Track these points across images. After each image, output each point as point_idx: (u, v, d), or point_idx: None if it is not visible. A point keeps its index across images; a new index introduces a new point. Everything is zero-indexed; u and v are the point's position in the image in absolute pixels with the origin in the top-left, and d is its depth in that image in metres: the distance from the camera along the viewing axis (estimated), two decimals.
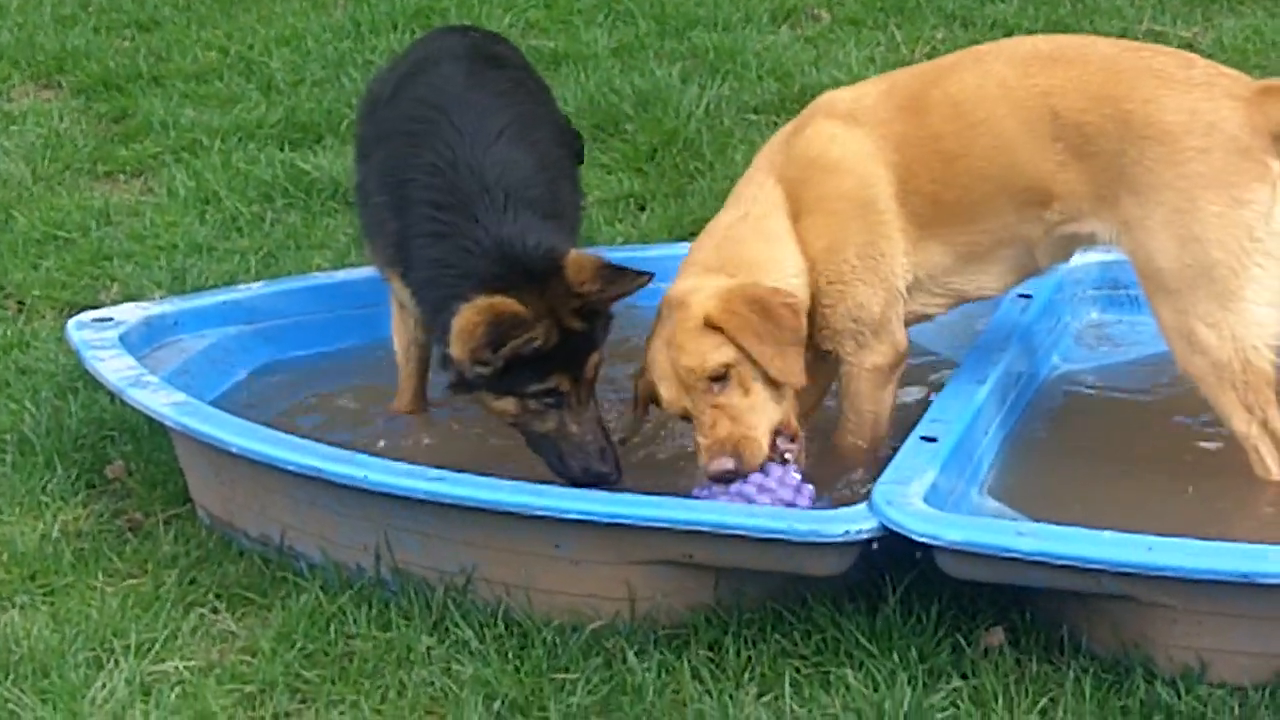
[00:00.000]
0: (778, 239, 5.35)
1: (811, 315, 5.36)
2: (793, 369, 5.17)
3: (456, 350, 5.26)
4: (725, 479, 5.09)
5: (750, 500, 5.04)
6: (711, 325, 5.15)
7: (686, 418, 5.26)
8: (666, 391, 5.25)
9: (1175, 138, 5.08)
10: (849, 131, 5.34)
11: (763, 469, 5.12)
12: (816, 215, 5.33)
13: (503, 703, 4.74)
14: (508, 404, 5.35)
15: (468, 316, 5.23)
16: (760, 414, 5.17)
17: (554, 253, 5.33)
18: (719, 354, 5.14)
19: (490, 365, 5.22)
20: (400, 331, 6.01)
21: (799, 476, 5.15)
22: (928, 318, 5.54)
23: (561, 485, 5.32)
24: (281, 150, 8.12)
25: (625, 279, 5.31)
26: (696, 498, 5.15)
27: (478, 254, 5.33)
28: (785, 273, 5.33)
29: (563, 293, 5.27)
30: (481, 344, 5.20)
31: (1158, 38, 8.49)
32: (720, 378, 5.14)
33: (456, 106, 5.61)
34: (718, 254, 5.36)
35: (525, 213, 5.41)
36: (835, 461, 5.43)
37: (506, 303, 5.22)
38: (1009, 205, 5.29)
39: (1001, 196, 5.28)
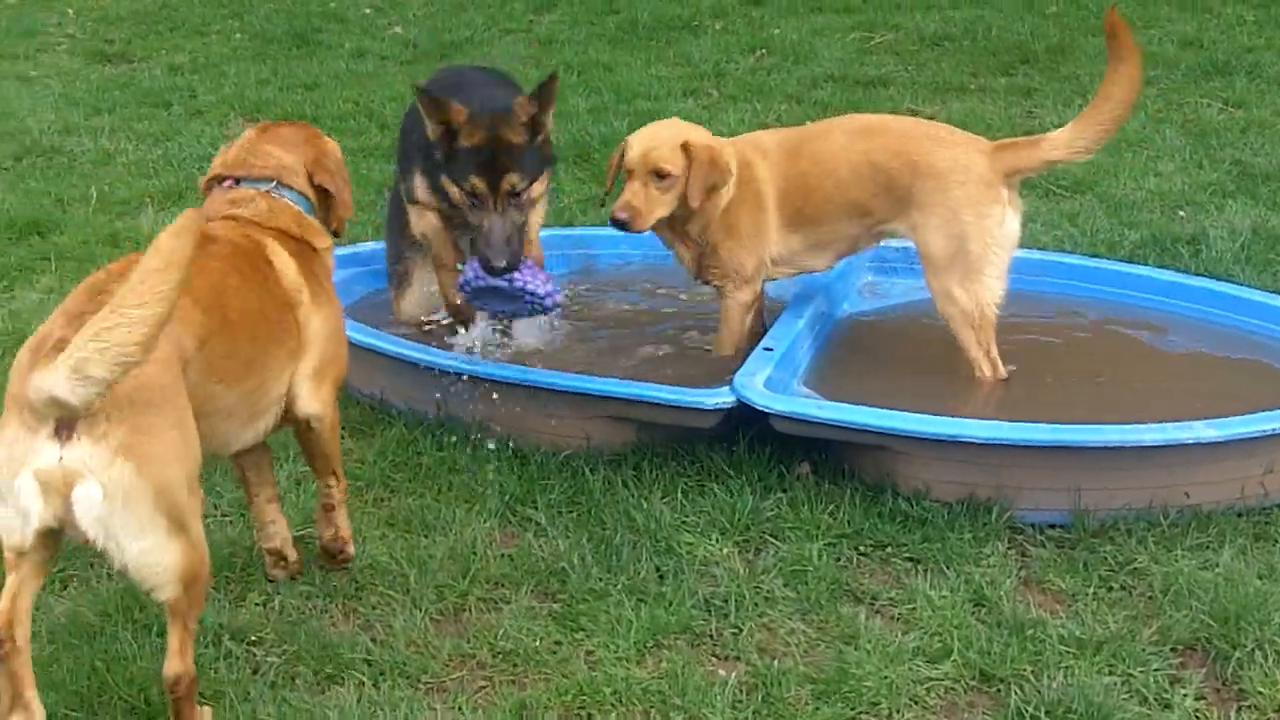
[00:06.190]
0: None
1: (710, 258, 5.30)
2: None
3: (430, 133, 4.72)
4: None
5: (513, 280, 4.74)
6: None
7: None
8: None
9: (944, 175, 5.05)
10: (762, 161, 5.28)
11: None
12: (737, 202, 5.24)
13: (511, 497, 4.71)
14: (454, 189, 4.76)
15: (447, 110, 4.66)
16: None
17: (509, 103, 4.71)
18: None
19: (446, 131, 4.69)
20: (441, 245, 5.16)
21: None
22: (775, 279, 5.48)
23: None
24: (387, 162, 7.99)
25: (545, 91, 4.70)
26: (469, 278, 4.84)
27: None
28: None
29: (507, 119, 4.67)
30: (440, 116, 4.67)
31: (914, 113, 8.41)
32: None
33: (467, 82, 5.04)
34: None
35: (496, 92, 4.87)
36: (713, 361, 5.33)
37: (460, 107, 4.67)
38: (844, 216, 5.25)
39: (840, 212, 5.24)
